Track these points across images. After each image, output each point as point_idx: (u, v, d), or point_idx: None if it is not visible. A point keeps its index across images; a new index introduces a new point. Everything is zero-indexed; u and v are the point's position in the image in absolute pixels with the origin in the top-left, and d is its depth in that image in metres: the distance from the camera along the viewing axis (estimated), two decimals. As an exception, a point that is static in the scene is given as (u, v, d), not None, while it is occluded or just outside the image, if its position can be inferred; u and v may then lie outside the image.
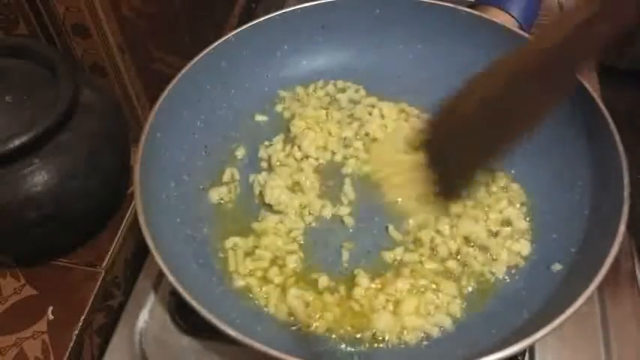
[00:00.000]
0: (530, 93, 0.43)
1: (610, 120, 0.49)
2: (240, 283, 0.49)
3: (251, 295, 0.48)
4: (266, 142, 0.58)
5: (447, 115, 0.46)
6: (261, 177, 0.55)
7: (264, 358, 0.38)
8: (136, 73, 0.57)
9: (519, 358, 0.48)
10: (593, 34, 0.41)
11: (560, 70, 0.43)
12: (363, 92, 0.62)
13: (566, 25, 0.41)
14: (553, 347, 0.49)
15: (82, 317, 0.50)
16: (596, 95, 0.50)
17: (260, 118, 0.60)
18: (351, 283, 0.49)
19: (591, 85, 0.52)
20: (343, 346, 0.46)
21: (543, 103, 0.44)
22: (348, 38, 0.63)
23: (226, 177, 0.56)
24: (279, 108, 0.61)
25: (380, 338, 0.46)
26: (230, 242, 0.51)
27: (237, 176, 0.56)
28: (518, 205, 0.52)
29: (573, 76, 0.45)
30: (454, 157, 0.45)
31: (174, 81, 0.53)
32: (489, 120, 0.44)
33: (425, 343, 0.46)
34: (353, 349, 0.45)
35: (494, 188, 0.54)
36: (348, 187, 0.55)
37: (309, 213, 0.53)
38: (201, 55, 0.56)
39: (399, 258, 0.50)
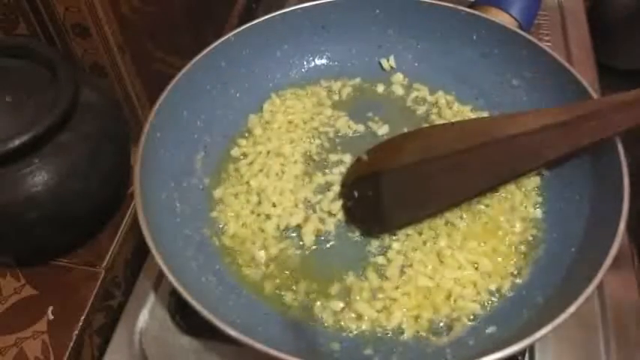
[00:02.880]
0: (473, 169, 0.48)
1: (610, 120, 0.49)
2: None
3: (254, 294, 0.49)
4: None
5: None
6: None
7: (264, 358, 0.39)
8: (136, 73, 0.57)
9: (519, 357, 0.48)
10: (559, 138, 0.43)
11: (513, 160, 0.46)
12: (363, 91, 0.62)
13: (540, 119, 0.44)
14: (553, 347, 0.49)
15: (82, 317, 0.50)
16: (596, 95, 0.50)
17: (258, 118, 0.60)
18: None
19: (591, 85, 0.52)
20: (342, 343, 0.46)
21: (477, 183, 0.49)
22: (348, 38, 0.63)
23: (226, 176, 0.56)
24: (278, 108, 0.61)
25: (377, 335, 0.46)
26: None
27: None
28: (525, 204, 0.53)
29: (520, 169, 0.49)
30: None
31: (174, 81, 0.53)
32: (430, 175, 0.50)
33: (423, 341, 0.46)
34: (349, 348, 0.46)
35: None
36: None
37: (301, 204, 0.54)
38: (201, 55, 0.56)
39: (401, 263, 0.50)
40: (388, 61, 0.63)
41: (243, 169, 0.56)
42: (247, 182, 0.55)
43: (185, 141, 0.55)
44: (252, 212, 0.53)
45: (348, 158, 0.57)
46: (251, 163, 0.57)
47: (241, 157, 0.57)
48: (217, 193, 0.55)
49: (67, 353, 0.48)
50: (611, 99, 0.46)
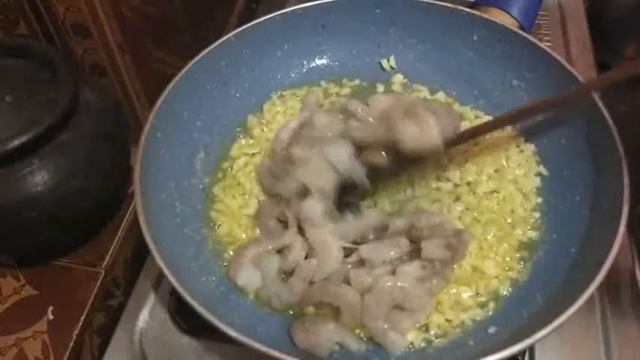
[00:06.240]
0: None
1: (609, 120, 0.49)
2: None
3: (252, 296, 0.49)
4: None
5: None
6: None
7: (264, 358, 0.39)
8: (136, 73, 0.57)
9: (519, 357, 0.48)
10: None
11: None
12: (363, 91, 0.62)
13: None
14: (553, 347, 0.49)
15: (82, 317, 0.50)
16: (595, 95, 0.50)
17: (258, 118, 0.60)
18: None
19: (591, 85, 0.52)
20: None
21: None
22: (348, 38, 0.63)
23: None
24: (278, 108, 0.61)
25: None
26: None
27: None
28: (525, 205, 0.53)
29: None
30: None
31: (174, 81, 0.53)
32: None
33: (424, 342, 0.46)
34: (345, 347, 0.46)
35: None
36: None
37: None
38: (201, 55, 0.56)
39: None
40: (388, 61, 0.63)
41: (241, 170, 0.56)
42: (245, 183, 0.55)
43: (185, 141, 0.55)
44: (249, 214, 0.54)
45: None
46: (248, 164, 0.57)
47: (241, 157, 0.57)
48: (216, 192, 0.55)
49: (67, 353, 0.48)
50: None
